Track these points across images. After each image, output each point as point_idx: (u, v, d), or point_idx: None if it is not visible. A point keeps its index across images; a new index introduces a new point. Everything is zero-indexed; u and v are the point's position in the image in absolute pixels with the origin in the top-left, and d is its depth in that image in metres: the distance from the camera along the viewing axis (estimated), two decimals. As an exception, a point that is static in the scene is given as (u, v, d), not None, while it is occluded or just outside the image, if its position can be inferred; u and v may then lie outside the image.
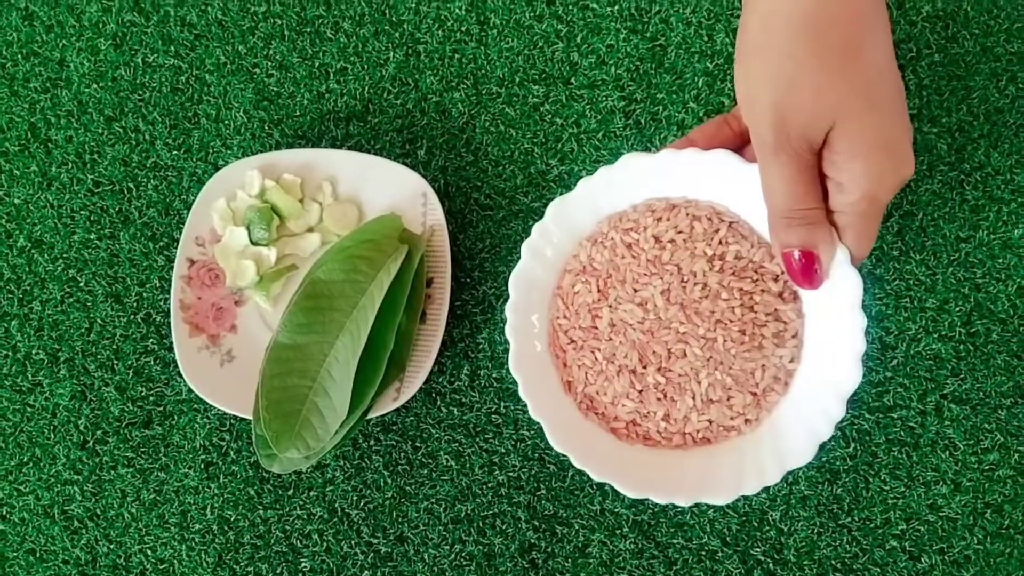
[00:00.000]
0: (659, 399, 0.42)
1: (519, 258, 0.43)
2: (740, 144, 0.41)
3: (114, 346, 0.52)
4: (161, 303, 0.52)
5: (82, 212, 0.53)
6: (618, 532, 0.48)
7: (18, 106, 0.54)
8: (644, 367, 0.42)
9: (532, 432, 0.49)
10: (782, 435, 0.41)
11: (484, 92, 0.52)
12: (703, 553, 0.47)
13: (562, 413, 0.43)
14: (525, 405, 0.49)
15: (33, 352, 0.52)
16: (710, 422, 0.42)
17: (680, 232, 0.42)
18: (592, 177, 0.42)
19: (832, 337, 0.40)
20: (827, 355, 0.40)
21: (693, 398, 0.42)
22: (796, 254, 0.37)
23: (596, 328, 0.43)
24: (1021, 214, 0.49)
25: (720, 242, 0.42)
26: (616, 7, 0.52)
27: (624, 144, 0.51)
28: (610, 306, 0.42)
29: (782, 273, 0.41)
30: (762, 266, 0.41)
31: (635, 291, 0.42)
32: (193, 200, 0.50)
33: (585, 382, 0.43)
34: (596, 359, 0.43)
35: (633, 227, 0.43)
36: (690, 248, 0.42)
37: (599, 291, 0.43)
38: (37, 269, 0.53)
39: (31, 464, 0.51)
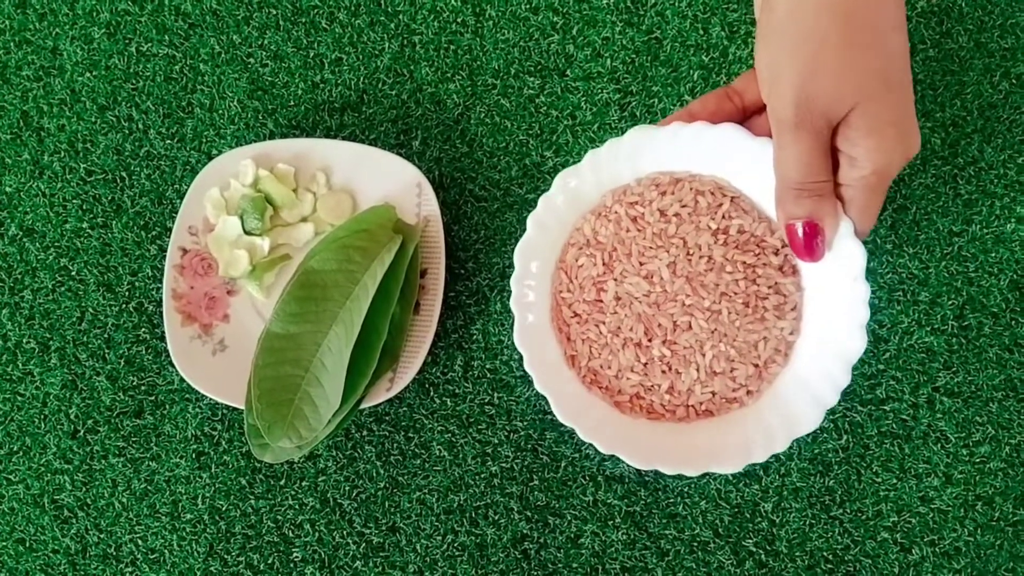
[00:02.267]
0: (664, 371, 0.42)
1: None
2: (742, 118, 0.41)
3: (106, 335, 0.51)
4: (153, 292, 0.52)
5: (74, 201, 0.53)
6: (611, 523, 0.48)
7: (10, 94, 0.54)
8: (649, 340, 0.42)
9: (525, 423, 0.49)
10: (787, 403, 0.42)
11: (479, 83, 0.52)
12: (695, 544, 0.47)
13: (566, 387, 0.43)
14: (519, 396, 0.49)
15: (24, 341, 0.52)
16: (713, 394, 0.43)
17: (685, 206, 0.42)
18: (599, 149, 0.41)
19: (836, 307, 0.40)
20: (831, 324, 0.41)
21: (697, 370, 0.42)
22: (800, 226, 0.37)
23: (601, 301, 0.43)
24: (1014, 208, 0.49)
25: (723, 216, 0.42)
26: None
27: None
28: (616, 279, 0.42)
29: (783, 247, 0.42)
30: (763, 240, 0.42)
31: (641, 264, 0.42)
32: (186, 189, 0.50)
33: (589, 356, 0.43)
34: (601, 332, 0.43)
35: (638, 200, 0.43)
36: (695, 222, 0.42)
37: (604, 264, 0.43)
38: (28, 258, 0.52)
39: (21, 453, 0.51)
